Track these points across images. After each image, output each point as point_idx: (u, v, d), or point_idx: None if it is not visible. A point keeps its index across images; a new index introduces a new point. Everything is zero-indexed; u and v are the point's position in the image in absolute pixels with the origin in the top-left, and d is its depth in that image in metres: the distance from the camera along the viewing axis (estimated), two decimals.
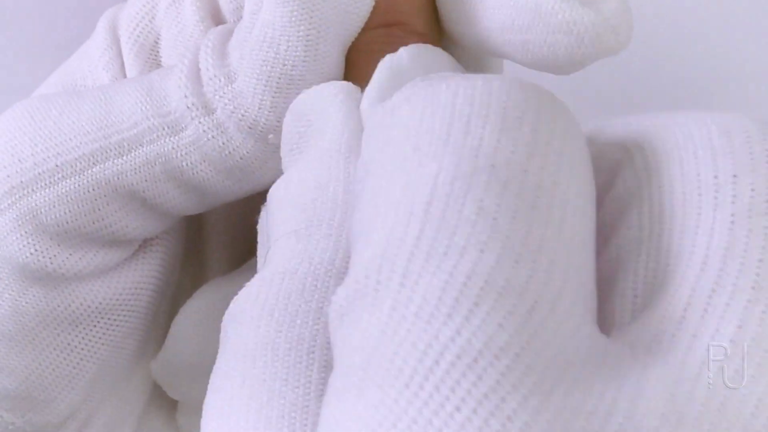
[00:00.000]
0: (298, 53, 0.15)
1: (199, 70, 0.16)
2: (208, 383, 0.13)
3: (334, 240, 0.13)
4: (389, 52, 0.15)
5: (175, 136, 0.16)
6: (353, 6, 0.15)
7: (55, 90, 0.18)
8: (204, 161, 0.16)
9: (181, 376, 0.18)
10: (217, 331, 0.13)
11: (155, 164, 0.16)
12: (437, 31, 0.16)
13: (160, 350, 0.18)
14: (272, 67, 0.15)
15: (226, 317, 0.13)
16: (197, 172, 0.16)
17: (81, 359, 0.17)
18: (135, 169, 0.16)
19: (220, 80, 0.15)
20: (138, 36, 0.18)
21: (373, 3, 0.15)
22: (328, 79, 0.15)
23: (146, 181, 0.16)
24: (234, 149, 0.16)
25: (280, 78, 0.15)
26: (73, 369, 0.17)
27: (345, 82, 0.15)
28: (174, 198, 0.17)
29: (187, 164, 0.16)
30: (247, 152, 0.16)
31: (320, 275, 0.12)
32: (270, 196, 0.15)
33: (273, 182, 0.16)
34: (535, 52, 0.15)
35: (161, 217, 0.17)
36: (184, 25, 0.17)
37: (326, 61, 0.15)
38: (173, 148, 0.16)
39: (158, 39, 0.18)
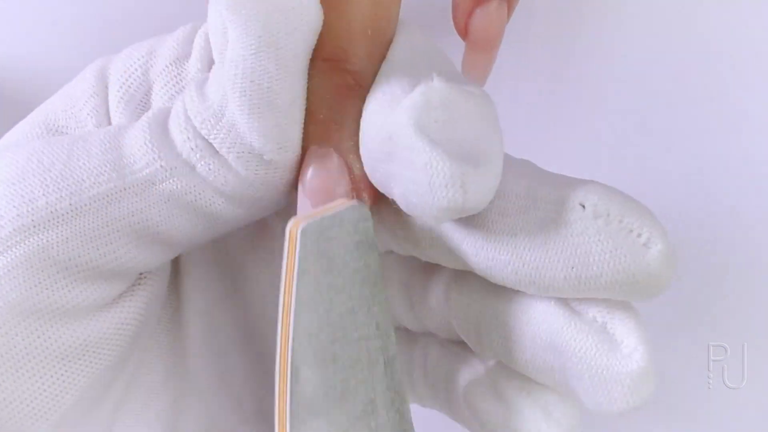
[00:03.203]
0: (271, 77, 0.16)
1: (189, 117, 0.17)
2: None
3: None
4: (323, 85, 0.17)
5: (186, 176, 0.17)
6: (306, 21, 0.16)
7: (38, 128, 0.19)
8: (215, 194, 0.17)
9: None
10: None
11: (169, 201, 0.17)
12: (372, 72, 0.17)
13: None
14: (251, 96, 0.16)
15: None
16: (210, 206, 0.17)
17: (60, 392, 0.17)
18: (150, 206, 0.17)
19: (210, 121, 0.16)
20: (129, 86, 0.19)
21: (321, 16, 0.16)
22: (299, 93, 0.17)
23: (160, 216, 0.17)
24: (241, 180, 0.17)
25: (260, 103, 0.16)
26: (50, 401, 0.17)
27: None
28: (186, 230, 0.17)
29: (199, 200, 0.17)
30: (254, 179, 0.17)
31: None
32: None
33: (280, 205, 0.18)
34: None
35: (169, 248, 0.18)
36: (184, 86, 0.18)
37: (295, 76, 0.16)
38: (185, 186, 0.17)
39: (149, 92, 0.19)
